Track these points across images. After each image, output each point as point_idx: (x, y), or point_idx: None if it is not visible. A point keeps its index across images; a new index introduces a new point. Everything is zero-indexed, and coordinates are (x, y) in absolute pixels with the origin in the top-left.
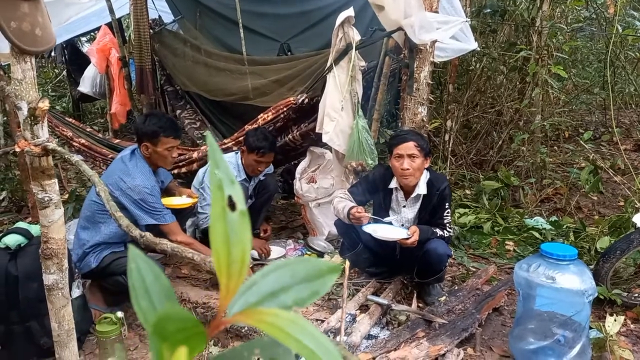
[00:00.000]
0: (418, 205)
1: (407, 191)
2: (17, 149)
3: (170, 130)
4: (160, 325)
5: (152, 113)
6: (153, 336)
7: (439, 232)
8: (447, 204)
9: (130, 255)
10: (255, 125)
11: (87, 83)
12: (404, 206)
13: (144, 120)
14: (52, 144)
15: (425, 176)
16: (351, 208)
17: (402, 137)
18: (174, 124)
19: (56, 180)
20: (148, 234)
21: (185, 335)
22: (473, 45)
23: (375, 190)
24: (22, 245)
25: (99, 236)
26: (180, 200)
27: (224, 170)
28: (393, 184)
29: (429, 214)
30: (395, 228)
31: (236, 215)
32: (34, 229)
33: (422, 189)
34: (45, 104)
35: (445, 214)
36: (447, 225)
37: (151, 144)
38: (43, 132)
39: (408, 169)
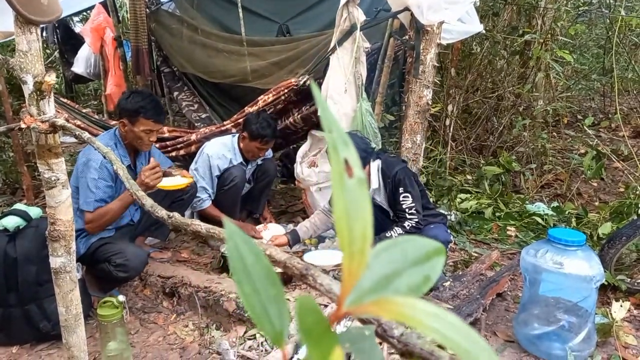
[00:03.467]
0: (380, 196)
1: None
2: (23, 126)
3: (152, 112)
4: (301, 319)
5: (138, 91)
6: (302, 332)
7: (396, 232)
8: (401, 189)
9: (228, 233)
10: (255, 107)
11: (81, 64)
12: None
13: (127, 96)
14: (61, 120)
15: (376, 169)
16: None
17: None
18: (157, 107)
19: (63, 158)
20: (176, 214)
21: (320, 330)
22: (478, 27)
23: None
24: (20, 227)
25: (79, 222)
26: (171, 181)
27: (337, 129)
28: None
29: (391, 204)
30: (335, 253)
31: (354, 182)
32: (33, 211)
33: (373, 184)
34: (52, 78)
35: (402, 200)
36: (408, 211)
37: (129, 122)
38: (50, 108)
39: None
